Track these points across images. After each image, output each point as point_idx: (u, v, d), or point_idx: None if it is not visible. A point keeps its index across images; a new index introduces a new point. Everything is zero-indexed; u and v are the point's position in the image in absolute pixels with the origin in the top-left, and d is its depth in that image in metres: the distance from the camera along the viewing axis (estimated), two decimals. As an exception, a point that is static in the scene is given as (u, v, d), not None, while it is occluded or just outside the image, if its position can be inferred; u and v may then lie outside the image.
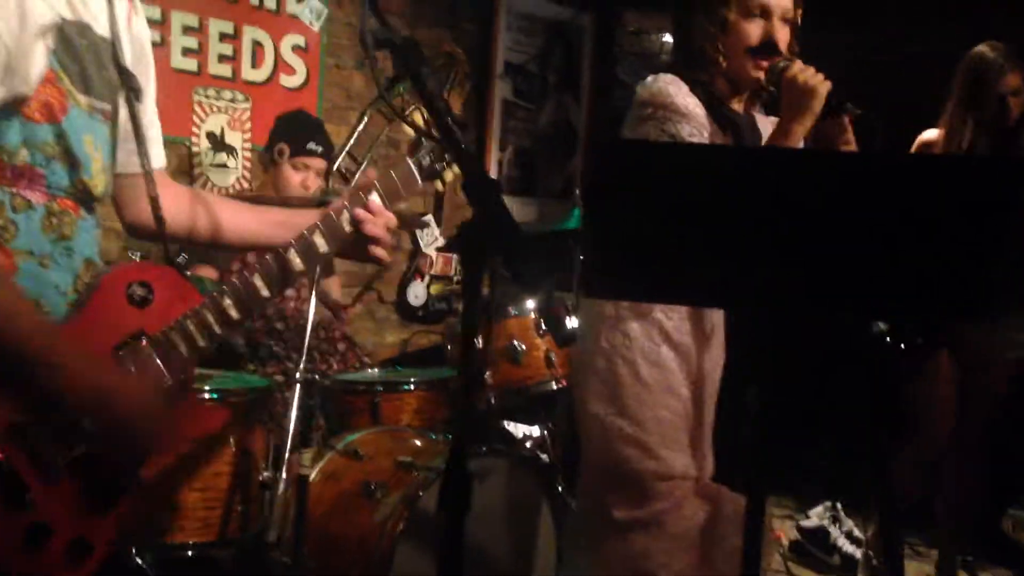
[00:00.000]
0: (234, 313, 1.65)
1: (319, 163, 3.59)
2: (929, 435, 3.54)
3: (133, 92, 1.68)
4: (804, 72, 2.11)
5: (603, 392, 2.25)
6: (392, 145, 4.73)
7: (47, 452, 1.47)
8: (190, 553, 2.79)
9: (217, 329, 1.64)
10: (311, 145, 3.58)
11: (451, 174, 1.87)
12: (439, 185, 1.87)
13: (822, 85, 2.09)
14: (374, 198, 1.79)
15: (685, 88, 2.22)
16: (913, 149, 3.59)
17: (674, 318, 2.24)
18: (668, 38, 5.62)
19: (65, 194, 1.57)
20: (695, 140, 2.16)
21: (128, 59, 1.69)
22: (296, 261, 1.70)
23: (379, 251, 1.79)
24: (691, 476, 2.25)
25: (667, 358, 2.24)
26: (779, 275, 1.43)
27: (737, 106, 2.34)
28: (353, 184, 1.82)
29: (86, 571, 1.52)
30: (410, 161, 1.84)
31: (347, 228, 1.76)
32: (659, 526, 2.20)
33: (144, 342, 1.58)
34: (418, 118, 1.82)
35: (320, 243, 1.72)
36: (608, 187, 1.45)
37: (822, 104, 2.09)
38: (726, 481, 2.30)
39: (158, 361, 1.59)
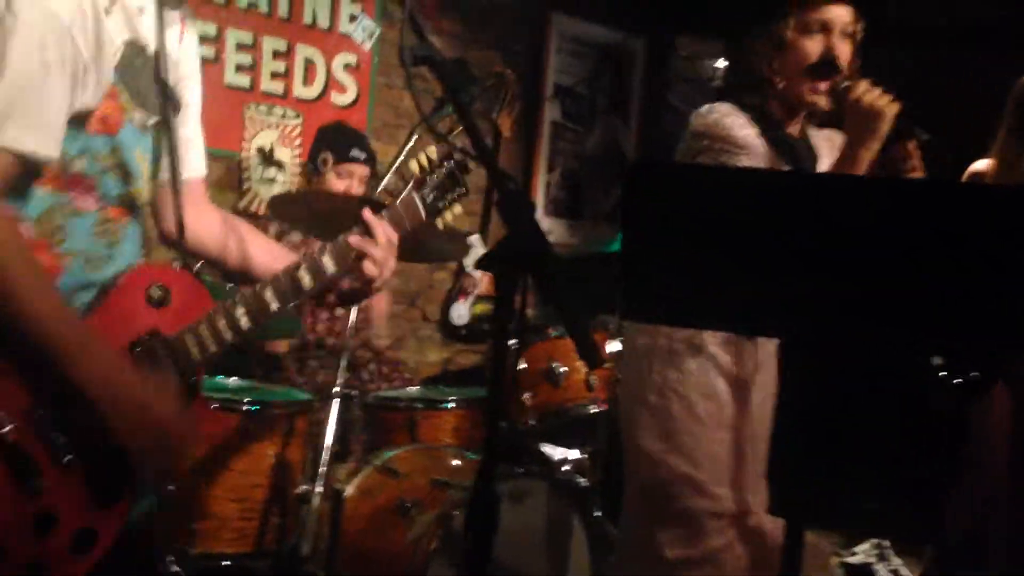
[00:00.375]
0: (244, 322, 1.69)
1: (362, 171, 3.64)
2: (984, 470, 3.45)
3: (172, 106, 1.73)
4: (870, 93, 2.00)
5: (655, 427, 2.20)
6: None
7: (61, 441, 1.50)
8: (226, 563, 2.81)
9: (228, 336, 1.67)
10: (354, 152, 3.63)
11: (451, 214, 1.89)
12: (439, 223, 1.90)
13: (889, 107, 1.99)
14: (377, 220, 1.81)
15: (743, 119, 2.15)
16: (965, 178, 3.53)
17: (728, 352, 2.20)
18: (721, 64, 5.58)
19: (115, 202, 1.64)
20: None
21: (175, 75, 1.75)
22: (306, 279, 1.74)
23: (369, 267, 1.80)
24: (741, 512, 2.19)
25: (722, 392, 2.19)
26: (824, 304, 1.41)
27: (793, 129, 2.26)
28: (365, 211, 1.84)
29: (90, 561, 1.54)
30: (415, 195, 1.85)
31: (353, 244, 1.79)
32: (712, 564, 2.15)
33: (158, 342, 1.62)
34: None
35: (328, 264, 1.76)
36: (644, 209, 1.44)
37: (889, 127, 2.00)
38: (780, 514, 2.24)
39: (170, 362, 1.63)
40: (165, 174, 1.76)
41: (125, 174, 1.62)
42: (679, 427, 2.17)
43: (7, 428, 1.46)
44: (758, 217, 1.41)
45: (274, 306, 1.72)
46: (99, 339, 1.53)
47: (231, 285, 2.41)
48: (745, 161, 2.11)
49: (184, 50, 1.79)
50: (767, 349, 2.24)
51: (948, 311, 1.36)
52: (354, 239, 1.77)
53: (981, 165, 3.48)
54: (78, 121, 1.54)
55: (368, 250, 1.77)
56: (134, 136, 1.64)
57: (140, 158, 1.66)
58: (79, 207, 1.59)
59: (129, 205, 1.67)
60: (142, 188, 1.68)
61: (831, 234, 1.38)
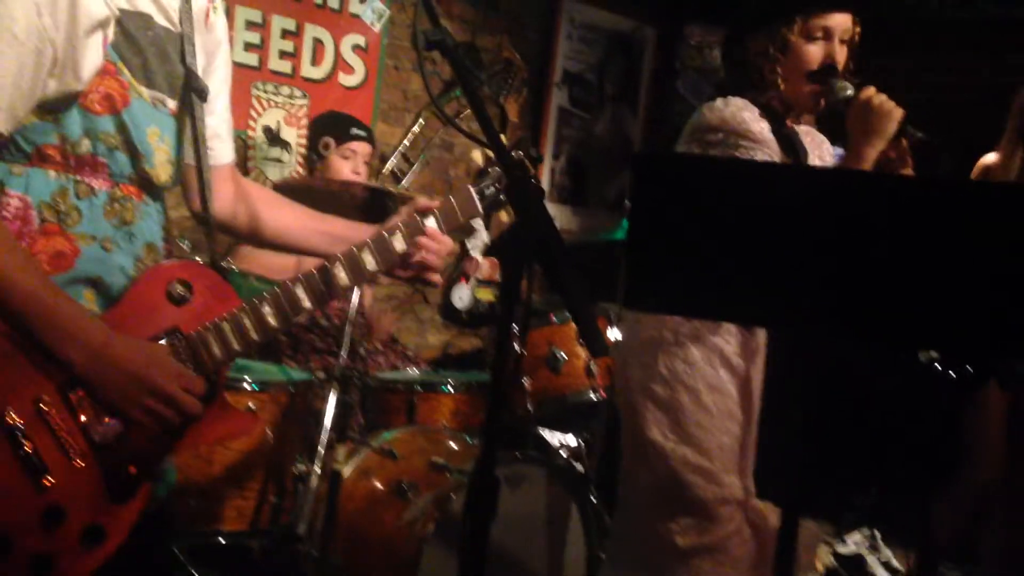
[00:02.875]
0: (273, 321, 1.65)
1: (365, 148, 3.69)
2: (977, 467, 3.46)
3: (196, 91, 1.68)
4: (879, 96, 2.10)
5: (663, 419, 2.24)
6: (446, 148, 4.75)
7: (70, 436, 1.49)
8: (222, 540, 2.82)
9: (254, 335, 1.64)
10: (354, 130, 3.67)
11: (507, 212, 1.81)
12: (503, 216, 1.81)
13: (896, 110, 2.09)
14: (430, 222, 1.77)
15: (757, 112, 2.20)
16: (974, 173, 3.55)
17: (731, 342, 2.24)
18: (716, 57, 5.58)
19: (128, 180, 1.60)
20: None
21: (201, 59, 1.71)
22: (342, 276, 1.70)
23: (433, 276, 1.79)
24: (746, 496, 2.25)
25: (726, 382, 2.24)
26: (826, 298, 1.41)
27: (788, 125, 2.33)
28: (410, 205, 1.81)
29: (98, 557, 1.53)
30: (472, 189, 1.80)
31: (398, 249, 1.74)
32: (723, 551, 2.20)
33: (178, 340, 1.59)
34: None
35: (369, 261, 1.71)
36: (650, 198, 1.44)
37: (895, 127, 2.09)
38: (767, 499, 2.28)
39: (190, 361, 1.60)
40: (188, 157, 1.73)
41: (135, 153, 1.58)
42: (688, 418, 2.21)
43: (14, 421, 1.45)
44: (762, 209, 1.42)
45: (307, 304, 1.68)
46: (84, 314, 1.51)
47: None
48: (760, 155, 2.15)
49: (210, 31, 1.75)
50: (760, 336, 2.29)
51: (949, 308, 1.36)
52: (399, 244, 1.73)
53: (991, 159, 3.51)
54: (71, 101, 1.51)
55: (414, 254, 1.74)
56: (145, 113, 1.59)
57: (153, 136, 1.61)
58: (90, 188, 1.56)
59: (145, 184, 1.63)
60: (157, 168, 1.63)
61: (834, 227, 1.38)
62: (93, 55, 1.51)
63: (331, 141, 3.66)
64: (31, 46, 1.44)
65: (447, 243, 1.79)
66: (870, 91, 2.12)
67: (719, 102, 2.22)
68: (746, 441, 2.27)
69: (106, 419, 1.52)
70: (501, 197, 1.79)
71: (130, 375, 1.50)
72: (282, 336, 3.41)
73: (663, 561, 2.25)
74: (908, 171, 2.18)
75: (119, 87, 1.54)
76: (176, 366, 1.56)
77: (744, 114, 2.18)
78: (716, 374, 2.22)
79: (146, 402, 1.52)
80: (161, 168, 1.64)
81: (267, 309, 1.64)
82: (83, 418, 1.50)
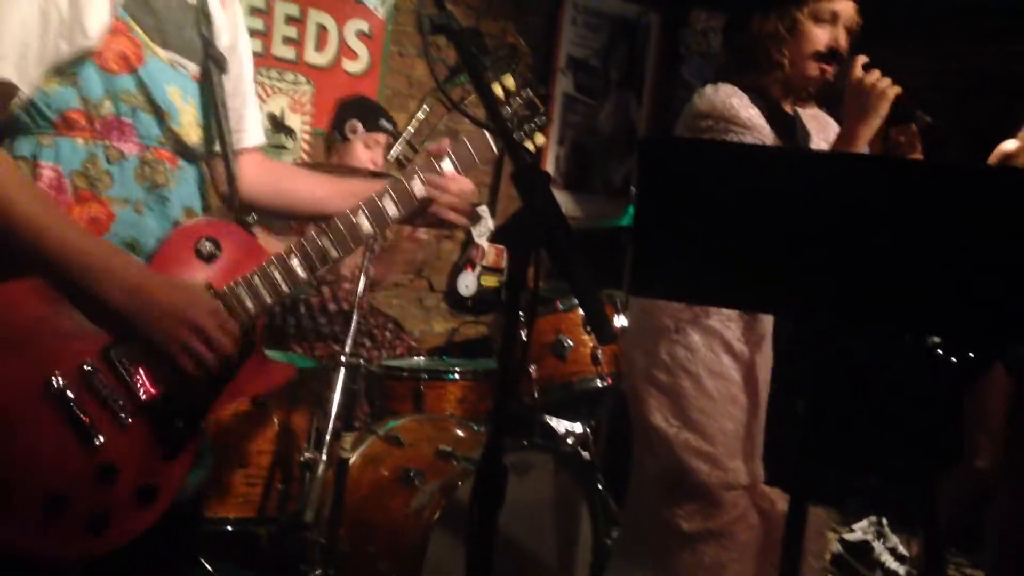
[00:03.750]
0: (301, 272, 1.69)
1: (388, 141, 3.70)
2: (980, 453, 3.45)
3: (214, 62, 1.70)
4: (869, 74, 2.10)
5: (666, 405, 2.26)
6: (451, 135, 4.74)
7: (117, 396, 1.52)
8: (229, 528, 2.82)
9: (284, 287, 1.67)
10: (383, 122, 3.67)
11: (531, 145, 1.87)
12: (530, 145, 1.87)
13: (890, 88, 2.08)
14: (447, 165, 1.82)
15: (747, 99, 2.22)
16: (992, 158, 3.53)
17: (732, 327, 2.25)
18: (718, 40, 5.55)
19: (159, 144, 1.62)
20: None
21: (225, 39, 1.74)
22: (364, 224, 1.74)
23: (453, 215, 1.81)
24: (752, 482, 2.26)
25: (728, 368, 2.25)
26: (830, 283, 1.40)
27: (787, 109, 2.34)
28: (425, 150, 1.84)
29: (154, 512, 1.56)
30: (487, 132, 1.84)
31: (417, 193, 1.79)
32: (728, 536, 2.22)
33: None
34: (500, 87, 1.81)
35: (390, 208, 1.76)
36: (656, 185, 1.43)
37: (888, 106, 2.08)
38: (776, 485, 2.29)
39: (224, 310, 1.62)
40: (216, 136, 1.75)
41: (158, 112, 1.60)
42: (690, 404, 2.23)
43: (61, 385, 1.48)
44: (768, 194, 1.41)
45: (333, 253, 1.72)
46: (119, 252, 1.53)
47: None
48: (749, 140, 2.17)
49: (229, 13, 1.78)
50: (767, 323, 2.31)
51: (953, 293, 1.35)
52: (418, 188, 1.77)
53: (1010, 145, 3.49)
54: (86, 60, 1.53)
55: (435, 196, 1.78)
56: (162, 73, 1.61)
57: (175, 94, 1.63)
58: (120, 152, 1.58)
59: (177, 147, 1.65)
60: (185, 127, 1.65)
61: (838, 212, 1.37)
62: (99, 13, 1.53)
63: (359, 126, 3.63)
64: (35, 7, 1.47)
65: (466, 184, 1.83)
66: (857, 68, 2.12)
67: (708, 88, 2.25)
68: (752, 426, 2.28)
69: (151, 377, 1.55)
70: (516, 136, 1.85)
71: (167, 311, 1.52)
72: (290, 321, 3.41)
73: (669, 546, 2.26)
74: (917, 156, 2.19)
75: (132, 46, 1.57)
76: (213, 303, 1.58)
77: (733, 100, 2.20)
78: (717, 359, 2.23)
79: (184, 338, 1.54)
80: (190, 128, 1.66)
81: (295, 261, 1.69)
82: (128, 377, 1.53)
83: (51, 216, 1.48)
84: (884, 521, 3.93)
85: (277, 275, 1.67)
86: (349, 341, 2.81)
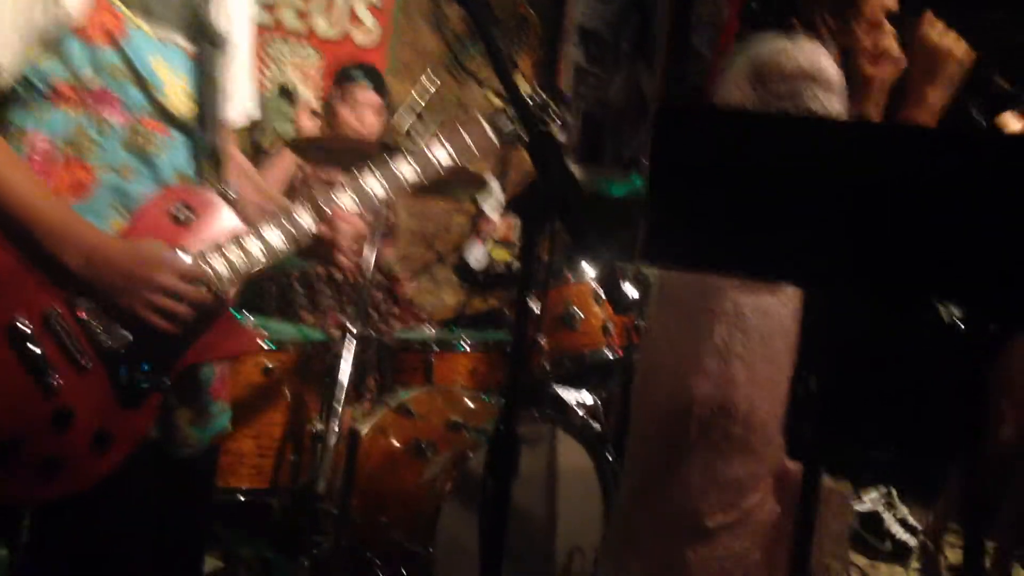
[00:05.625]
0: (279, 243, 1.69)
1: (370, 98, 3.63)
2: (1006, 420, 3.44)
3: (207, 39, 1.71)
4: (936, 31, 1.93)
5: (714, 394, 2.07)
6: (462, 108, 4.71)
7: (78, 342, 1.53)
8: (241, 498, 2.84)
9: (258, 255, 1.67)
10: (351, 71, 3.65)
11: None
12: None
13: (960, 49, 1.92)
14: (344, 202, 1.77)
15: (830, 56, 1.99)
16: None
17: (790, 307, 2.08)
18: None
19: (148, 115, 1.64)
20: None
21: (223, 15, 1.74)
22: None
23: (340, 260, 1.79)
24: (779, 468, 2.14)
25: (780, 352, 2.10)
26: (849, 252, 1.39)
27: None
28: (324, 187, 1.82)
29: (109, 461, 1.57)
30: (485, 122, 1.81)
31: (305, 229, 1.75)
32: (743, 524, 2.10)
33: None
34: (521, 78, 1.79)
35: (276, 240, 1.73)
36: (674, 154, 1.42)
37: (962, 71, 1.92)
38: (798, 458, 2.19)
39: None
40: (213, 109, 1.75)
41: (142, 82, 1.62)
42: (738, 393, 2.06)
43: (21, 328, 1.49)
44: (786, 162, 1.39)
45: (308, 226, 1.72)
46: (77, 218, 1.54)
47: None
48: (836, 105, 1.95)
49: None
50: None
51: (976, 263, 1.34)
52: (307, 223, 1.74)
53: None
54: (69, 34, 1.55)
55: (326, 235, 1.76)
56: (146, 44, 1.63)
57: (159, 66, 1.64)
58: (108, 121, 1.60)
59: (165, 116, 1.66)
60: (170, 98, 1.66)
61: (860, 181, 1.36)
62: None
63: (335, 89, 3.67)
64: None
65: (360, 225, 1.79)
66: (925, 23, 1.94)
67: (781, 45, 1.98)
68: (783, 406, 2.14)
69: (113, 326, 1.56)
70: (518, 132, 1.78)
71: (125, 273, 1.54)
72: (300, 290, 3.42)
73: (688, 540, 2.13)
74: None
75: (113, 19, 1.59)
76: (171, 258, 1.58)
77: (823, 60, 1.96)
78: (773, 344, 2.08)
79: (148, 296, 1.55)
80: (176, 99, 1.67)
81: (269, 230, 1.69)
82: (90, 325, 1.54)
83: (15, 178, 1.50)
84: (894, 491, 3.93)
85: (252, 245, 1.67)
86: (359, 313, 2.81)
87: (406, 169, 1.79)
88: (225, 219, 1.68)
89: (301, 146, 3.34)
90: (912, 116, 1.98)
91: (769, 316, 2.08)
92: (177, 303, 1.57)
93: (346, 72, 3.67)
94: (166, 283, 1.55)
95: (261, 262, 1.68)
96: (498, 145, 1.81)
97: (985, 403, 3.41)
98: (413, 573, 2.53)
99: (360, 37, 4.43)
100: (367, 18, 4.45)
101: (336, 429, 2.70)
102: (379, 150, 2.68)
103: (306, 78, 4.28)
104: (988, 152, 1.34)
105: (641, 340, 2.31)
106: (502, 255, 4.87)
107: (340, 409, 2.72)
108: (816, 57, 1.95)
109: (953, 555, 3.57)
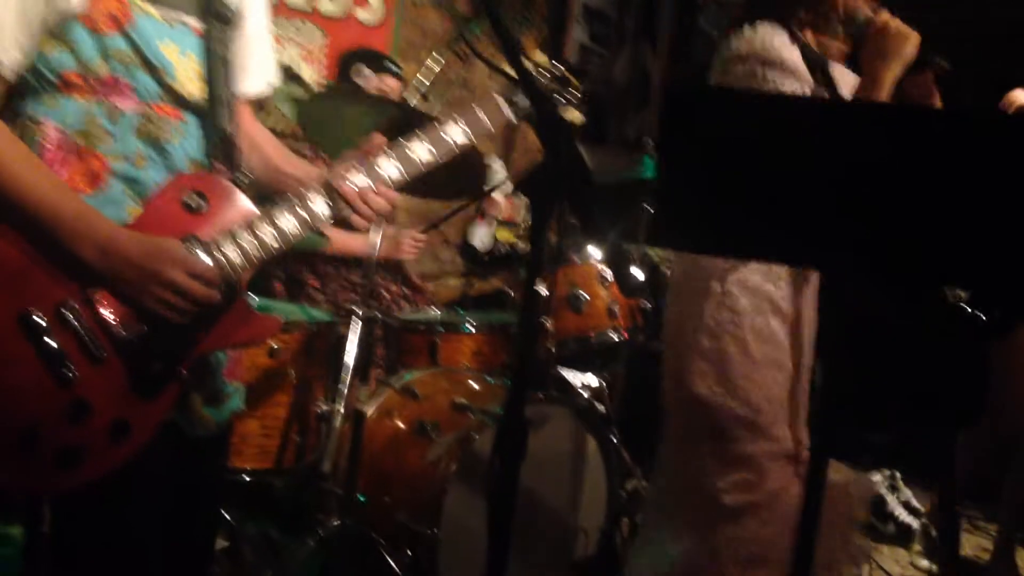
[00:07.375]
0: (292, 228, 1.67)
1: (397, 86, 3.69)
2: (1003, 410, 3.44)
3: (215, 16, 1.70)
4: (895, 20, 2.04)
5: (709, 372, 2.15)
6: (466, 87, 4.69)
7: (93, 333, 1.53)
8: (246, 478, 2.84)
9: (274, 243, 1.66)
10: (388, 64, 3.67)
11: (575, 113, 1.81)
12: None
13: (913, 33, 2.03)
14: (459, 137, 1.77)
15: (788, 38, 2.09)
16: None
17: (781, 286, 2.15)
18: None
19: (161, 100, 1.63)
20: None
21: None
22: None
23: (357, 220, 1.78)
24: (796, 449, 2.17)
25: (776, 331, 2.15)
26: (854, 235, 1.38)
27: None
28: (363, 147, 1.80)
29: (125, 452, 1.57)
30: (498, 97, 1.79)
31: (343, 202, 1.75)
32: (770, 509, 2.13)
33: (193, 244, 1.61)
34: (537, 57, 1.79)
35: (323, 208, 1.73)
36: (682, 135, 1.40)
37: (914, 51, 2.02)
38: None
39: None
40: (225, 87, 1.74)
41: (152, 68, 1.61)
42: (736, 370, 2.13)
43: (37, 320, 1.49)
44: (794, 143, 1.38)
45: (324, 213, 1.71)
46: (91, 210, 1.54)
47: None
48: (793, 86, 2.06)
49: None
50: (814, 280, 2.21)
51: (982, 245, 1.33)
52: (348, 191, 1.73)
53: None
54: (73, 23, 1.54)
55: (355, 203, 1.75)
56: (154, 28, 1.62)
57: (169, 49, 1.63)
58: (120, 110, 1.60)
59: (178, 101, 1.65)
60: (182, 81, 1.65)
61: (867, 163, 1.35)
62: None
63: (364, 68, 3.66)
64: None
65: (394, 197, 1.78)
66: (885, 14, 2.06)
67: (747, 29, 2.10)
68: (796, 391, 2.18)
69: (129, 317, 1.55)
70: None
71: (137, 267, 1.53)
72: (306, 271, 3.41)
73: (712, 520, 2.18)
74: (936, 103, 2.14)
75: (118, 5, 1.58)
76: (183, 255, 1.57)
77: (775, 40, 2.07)
78: (765, 322, 2.13)
79: (156, 292, 1.54)
80: (188, 82, 1.66)
81: (283, 216, 1.67)
82: (105, 316, 1.54)
83: (29, 172, 1.49)
84: (897, 474, 3.93)
85: (264, 229, 1.66)
86: (365, 294, 2.80)
87: (420, 149, 1.77)
88: (238, 205, 1.67)
89: (328, 95, 3.31)
90: (867, 95, 2.06)
91: (757, 294, 2.14)
92: (183, 300, 1.56)
93: (380, 62, 3.68)
94: (175, 279, 1.55)
95: (275, 248, 1.66)
96: (515, 121, 1.79)
97: (988, 386, 3.40)
98: (418, 553, 2.53)
99: (364, 15, 4.41)
100: (371, -4, 4.43)
101: (341, 410, 2.70)
102: (399, 112, 2.66)
103: (309, 57, 4.26)
104: (999, 135, 1.33)
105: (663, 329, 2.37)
106: (506, 236, 4.86)
107: (345, 389, 2.72)
108: (772, 39, 2.06)
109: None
